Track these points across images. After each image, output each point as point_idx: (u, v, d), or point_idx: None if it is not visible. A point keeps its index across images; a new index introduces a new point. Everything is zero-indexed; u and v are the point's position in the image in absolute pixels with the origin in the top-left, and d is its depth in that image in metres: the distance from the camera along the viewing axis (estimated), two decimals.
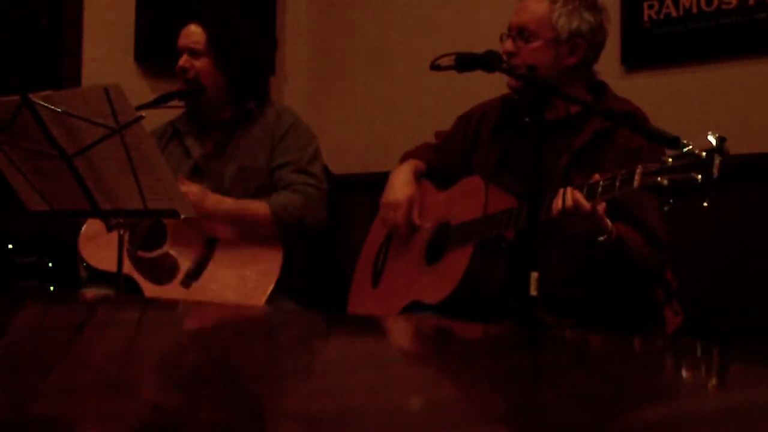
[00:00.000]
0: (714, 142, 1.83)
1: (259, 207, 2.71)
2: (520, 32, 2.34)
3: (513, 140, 2.43)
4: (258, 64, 2.97)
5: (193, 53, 2.83)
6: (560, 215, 2.04)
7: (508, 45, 2.34)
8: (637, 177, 1.93)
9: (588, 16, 2.33)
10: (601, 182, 2.02)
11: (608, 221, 2.09)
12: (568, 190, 2.03)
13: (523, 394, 0.79)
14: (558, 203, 2.04)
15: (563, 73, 2.33)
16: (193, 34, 2.84)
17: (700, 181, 1.82)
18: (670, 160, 1.88)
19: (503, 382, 0.85)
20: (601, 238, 2.09)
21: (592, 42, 2.35)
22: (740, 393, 0.85)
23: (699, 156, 1.83)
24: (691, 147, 1.85)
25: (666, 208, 1.90)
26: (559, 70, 2.32)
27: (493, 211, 2.28)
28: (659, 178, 1.89)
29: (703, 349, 1.15)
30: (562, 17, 2.31)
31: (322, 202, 2.79)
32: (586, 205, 2.01)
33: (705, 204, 1.83)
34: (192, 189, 2.63)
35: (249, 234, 2.72)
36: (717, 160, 1.81)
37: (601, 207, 2.06)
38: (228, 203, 2.71)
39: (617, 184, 1.98)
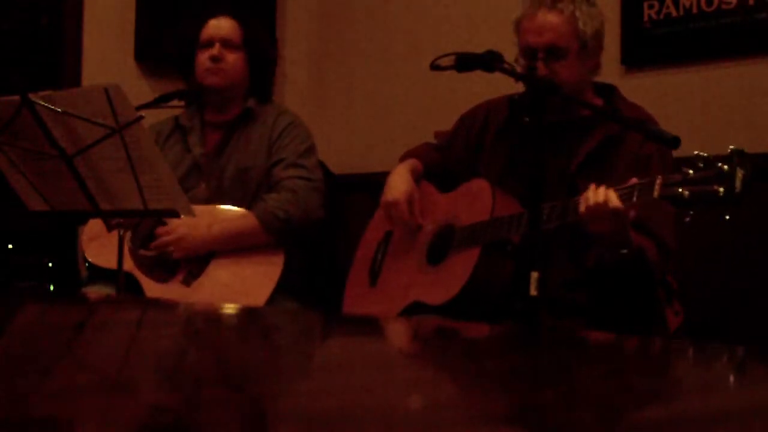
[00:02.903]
0: (735, 155, 1.81)
1: (246, 222, 2.70)
2: (550, 52, 2.27)
3: (520, 142, 2.40)
4: (274, 64, 3.04)
5: (228, 45, 2.84)
6: (589, 210, 2.01)
7: (542, 68, 2.25)
8: (657, 187, 1.91)
9: (594, 12, 2.31)
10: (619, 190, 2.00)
11: (632, 235, 2.06)
12: (601, 186, 2.00)
13: (524, 394, 0.79)
14: (589, 197, 2.00)
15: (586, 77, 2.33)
16: (229, 27, 2.85)
17: (722, 194, 1.80)
18: (691, 171, 1.85)
19: (504, 381, 0.85)
20: (624, 251, 2.06)
21: (602, 39, 2.34)
22: (741, 393, 0.85)
23: (721, 169, 1.81)
24: (710, 157, 1.83)
25: (687, 219, 1.86)
26: (585, 75, 2.32)
27: (499, 215, 2.26)
28: (680, 189, 1.86)
29: (704, 349, 1.15)
30: (581, 25, 2.28)
31: (315, 193, 2.77)
32: (617, 201, 1.98)
33: (726, 217, 1.81)
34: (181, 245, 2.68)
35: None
36: (740, 174, 1.79)
37: (632, 215, 2.01)
38: (214, 234, 2.70)
39: (636, 192, 1.95)
